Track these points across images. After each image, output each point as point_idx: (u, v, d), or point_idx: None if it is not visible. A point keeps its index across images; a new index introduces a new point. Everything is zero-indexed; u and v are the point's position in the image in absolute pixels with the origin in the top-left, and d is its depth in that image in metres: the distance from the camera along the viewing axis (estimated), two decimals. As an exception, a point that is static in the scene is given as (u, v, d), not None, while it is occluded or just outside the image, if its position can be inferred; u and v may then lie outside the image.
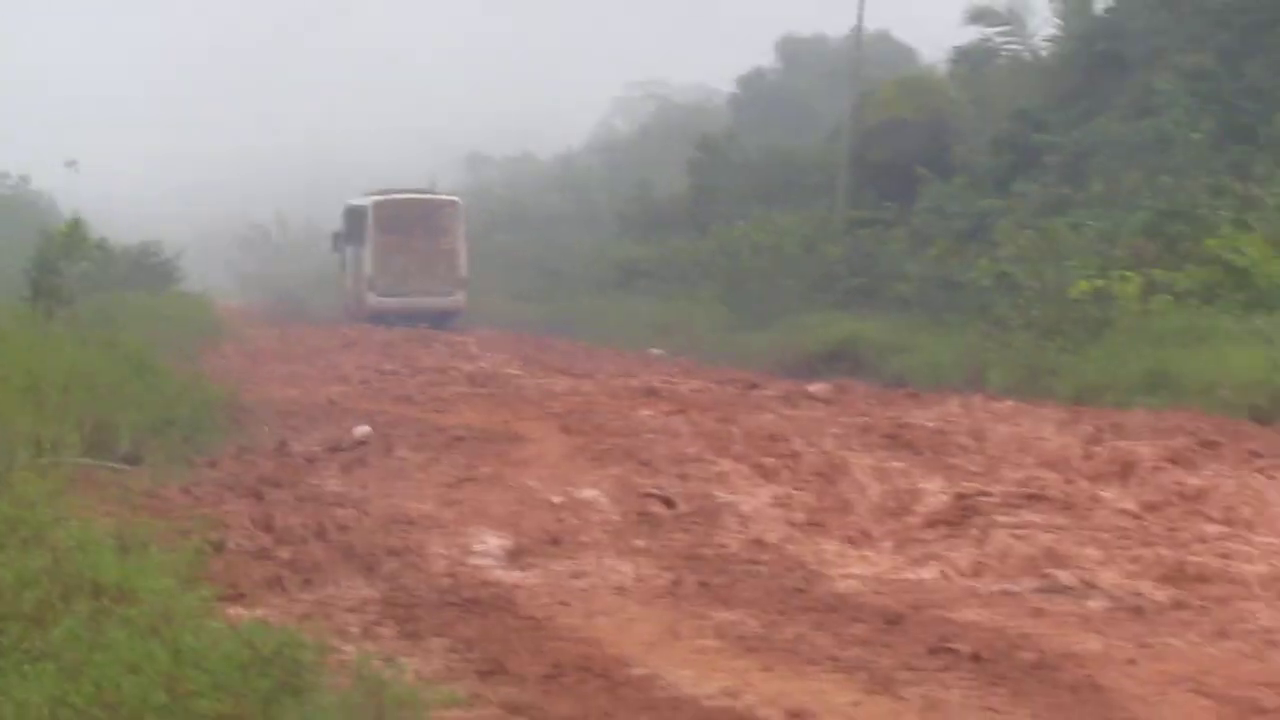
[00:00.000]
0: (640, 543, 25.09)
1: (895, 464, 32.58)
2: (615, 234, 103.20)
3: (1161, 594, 21.52)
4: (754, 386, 51.01)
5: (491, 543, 24.82)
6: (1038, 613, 20.39)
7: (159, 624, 12.96)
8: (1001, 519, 26.18)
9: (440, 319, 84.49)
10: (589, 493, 29.23)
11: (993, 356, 54.04)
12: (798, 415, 41.83)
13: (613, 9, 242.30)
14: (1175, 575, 22.36)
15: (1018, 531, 25.08)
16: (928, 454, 34.31)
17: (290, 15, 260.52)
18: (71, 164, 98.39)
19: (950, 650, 18.08)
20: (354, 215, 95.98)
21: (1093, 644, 18.57)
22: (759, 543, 25.10)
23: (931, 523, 26.25)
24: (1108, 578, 22.26)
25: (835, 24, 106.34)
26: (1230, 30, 70.96)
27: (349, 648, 17.02)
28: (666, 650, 18.39)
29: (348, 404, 44.75)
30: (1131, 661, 17.79)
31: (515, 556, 24.10)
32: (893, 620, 19.86)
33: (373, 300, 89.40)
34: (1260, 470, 30.94)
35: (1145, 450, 33.64)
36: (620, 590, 21.83)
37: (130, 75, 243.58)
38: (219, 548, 22.48)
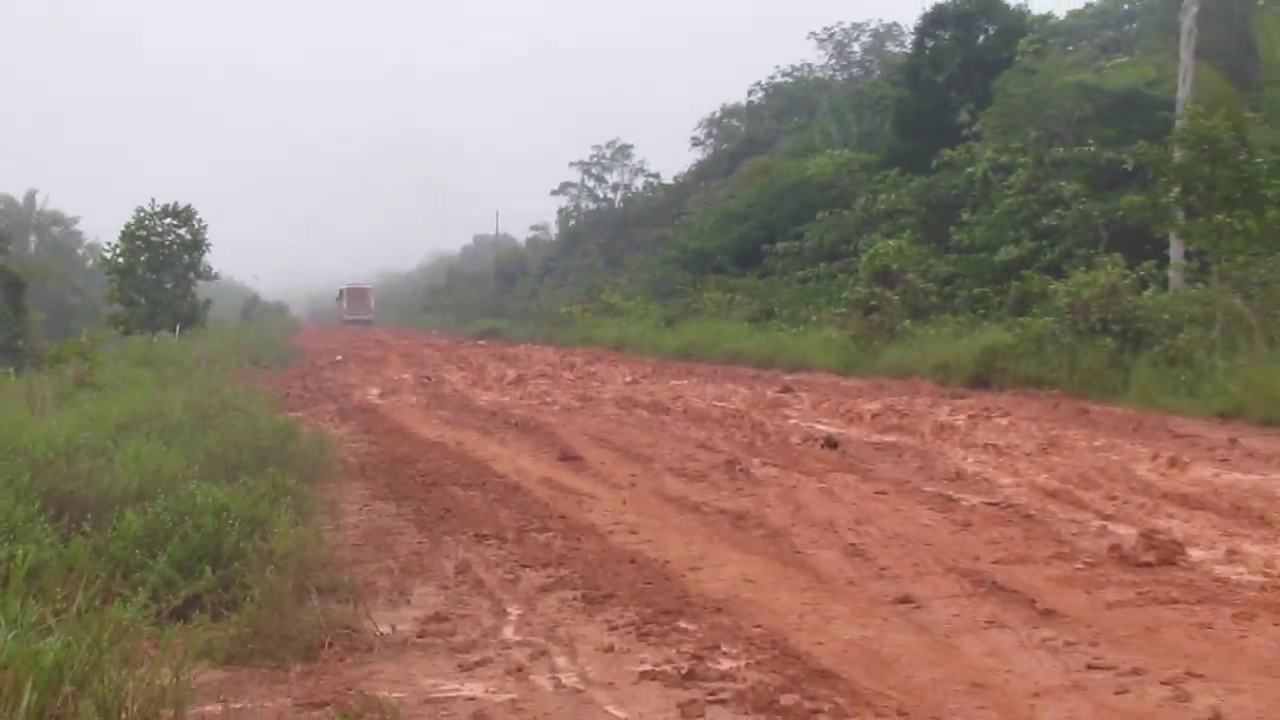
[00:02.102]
0: (420, 391, 24.87)
1: (501, 364, 32.06)
2: (424, 298, 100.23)
3: (578, 404, 20.72)
4: (461, 343, 48.20)
5: (374, 391, 25.00)
6: (539, 410, 19.55)
7: (255, 418, 13.22)
8: (531, 382, 25.77)
9: (366, 325, 79.56)
10: (406, 376, 29.24)
11: (537, 333, 49.81)
12: (474, 351, 41.16)
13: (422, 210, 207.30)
14: (583, 398, 21.63)
15: (537, 385, 24.79)
16: (513, 361, 33.57)
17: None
18: (256, 277, 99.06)
19: (511, 423, 17.93)
20: (341, 290, 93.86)
21: (554, 419, 18.00)
22: (455, 390, 24.78)
23: (511, 383, 25.56)
24: (562, 399, 21.60)
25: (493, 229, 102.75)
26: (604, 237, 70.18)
27: (324, 425, 17.29)
28: (424, 425, 18.28)
29: (336, 349, 42.51)
30: (565, 425, 17.18)
31: (381, 395, 23.99)
32: (494, 413, 19.54)
33: (345, 317, 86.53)
34: (613, 365, 31.01)
35: (579, 360, 33.25)
36: (412, 406, 21.56)
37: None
38: (287, 395, 22.82)
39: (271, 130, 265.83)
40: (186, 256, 36.32)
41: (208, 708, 5.67)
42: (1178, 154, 21.36)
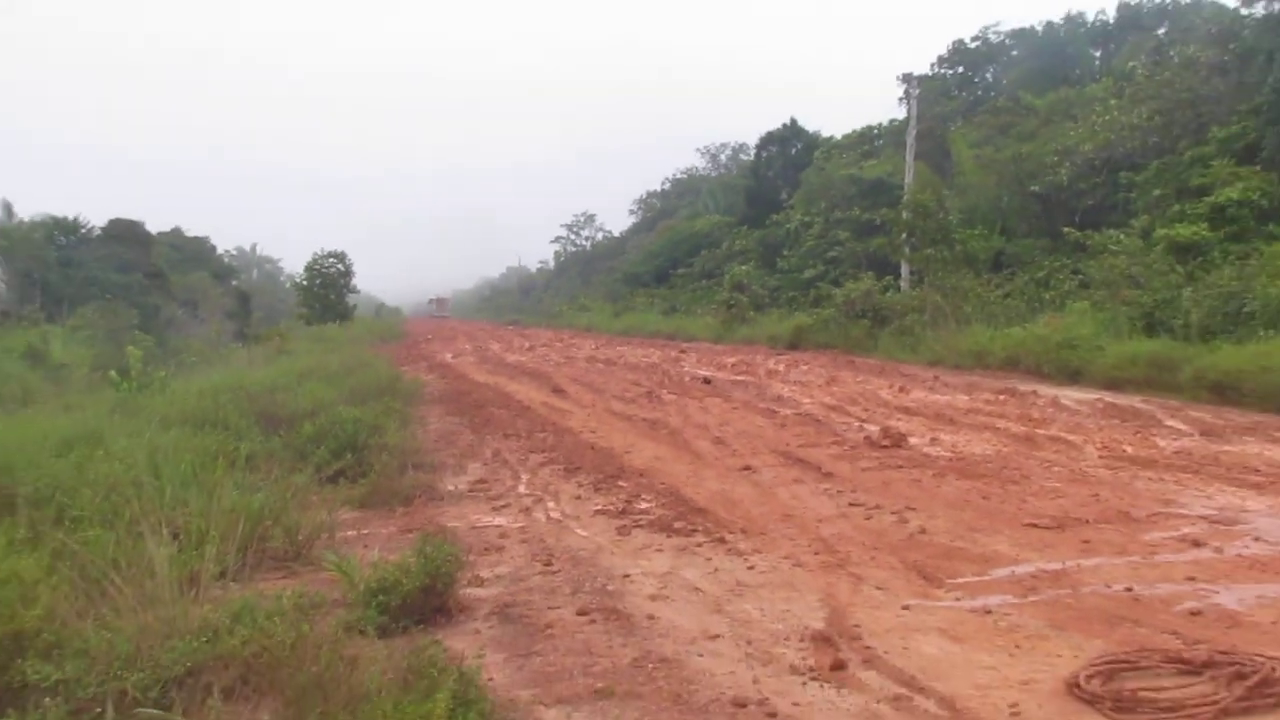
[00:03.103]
0: (474, 355, 22.37)
1: (521, 340, 29.40)
2: (477, 303, 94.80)
3: (563, 360, 18.89)
4: (499, 328, 44.61)
5: (448, 355, 22.58)
6: (541, 364, 17.86)
7: (379, 374, 12.65)
8: (538, 349, 23.51)
9: (445, 319, 71.28)
10: (467, 347, 26.35)
11: (542, 322, 45.45)
12: (506, 332, 37.97)
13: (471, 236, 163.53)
14: (567, 357, 19.70)
15: (541, 351, 22.74)
16: (528, 338, 30.86)
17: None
18: (383, 300, 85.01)
19: (526, 372, 16.71)
20: (431, 299, 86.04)
21: (550, 369, 16.55)
22: (494, 354, 22.22)
23: (527, 349, 23.31)
24: (555, 358, 19.70)
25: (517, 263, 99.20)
26: (580, 267, 66.69)
27: (418, 374, 16.29)
28: (476, 373, 16.74)
29: (427, 332, 38.92)
30: (556, 372, 16.04)
31: (453, 357, 21.54)
32: (516, 366, 17.90)
33: (433, 314, 78.22)
34: (584, 339, 29.07)
35: (566, 336, 31.71)
36: (470, 363, 19.28)
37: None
38: (397, 357, 20.38)
39: (390, 202, 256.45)
40: (341, 279, 38.27)
41: (348, 532, 5.69)
42: (905, 215, 21.41)
